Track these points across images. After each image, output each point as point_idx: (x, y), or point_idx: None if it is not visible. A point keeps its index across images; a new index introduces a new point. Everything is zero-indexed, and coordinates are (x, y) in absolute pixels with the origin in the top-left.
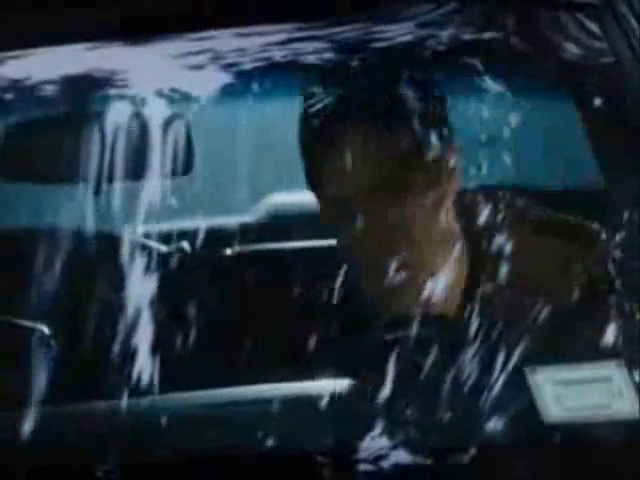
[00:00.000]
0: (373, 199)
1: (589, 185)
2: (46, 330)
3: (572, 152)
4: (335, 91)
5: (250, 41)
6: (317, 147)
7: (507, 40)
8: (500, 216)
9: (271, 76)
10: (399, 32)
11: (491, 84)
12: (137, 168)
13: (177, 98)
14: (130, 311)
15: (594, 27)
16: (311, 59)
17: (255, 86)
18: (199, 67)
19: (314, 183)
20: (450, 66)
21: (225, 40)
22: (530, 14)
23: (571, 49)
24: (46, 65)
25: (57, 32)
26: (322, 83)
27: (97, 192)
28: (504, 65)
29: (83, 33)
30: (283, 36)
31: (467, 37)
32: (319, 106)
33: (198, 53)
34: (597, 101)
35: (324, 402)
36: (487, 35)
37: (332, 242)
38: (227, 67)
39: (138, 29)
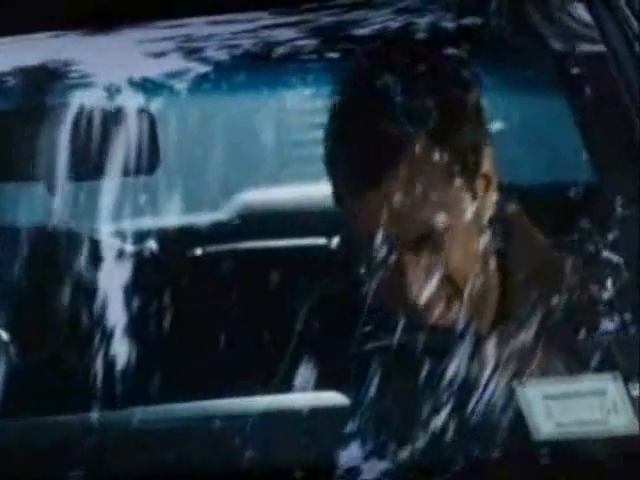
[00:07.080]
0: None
1: (580, 180)
2: (4, 336)
3: (562, 146)
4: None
5: (221, 29)
6: (358, 188)
7: (493, 29)
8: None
9: (244, 68)
10: (376, 19)
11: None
12: (100, 165)
13: (146, 90)
14: (95, 314)
15: (585, 14)
16: (286, 48)
17: (228, 79)
18: (162, 54)
19: (348, 214)
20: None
21: (195, 29)
22: (517, 1)
23: (561, 38)
24: (4, 56)
25: (18, 21)
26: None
27: (55, 190)
28: (490, 56)
29: (45, 22)
30: (255, 24)
31: (449, 26)
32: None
33: (164, 40)
34: (588, 92)
35: (302, 415)
36: (473, 24)
37: (304, 241)
38: (198, 58)
39: (102, 18)
